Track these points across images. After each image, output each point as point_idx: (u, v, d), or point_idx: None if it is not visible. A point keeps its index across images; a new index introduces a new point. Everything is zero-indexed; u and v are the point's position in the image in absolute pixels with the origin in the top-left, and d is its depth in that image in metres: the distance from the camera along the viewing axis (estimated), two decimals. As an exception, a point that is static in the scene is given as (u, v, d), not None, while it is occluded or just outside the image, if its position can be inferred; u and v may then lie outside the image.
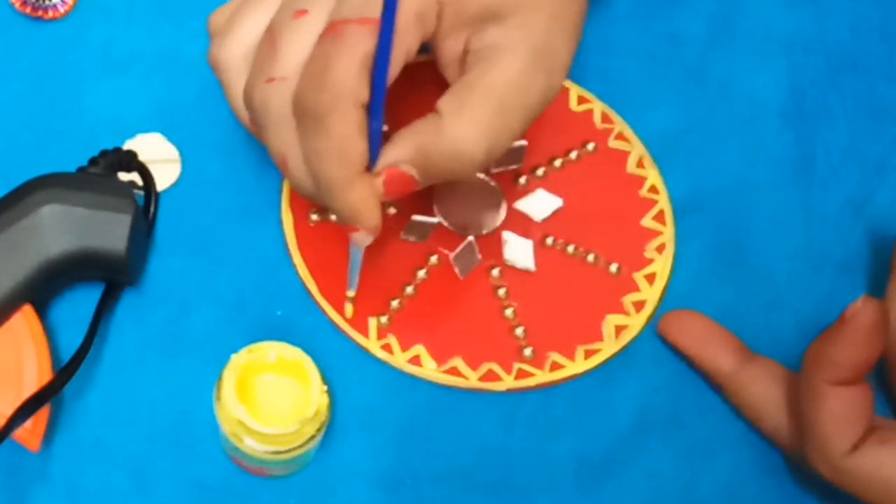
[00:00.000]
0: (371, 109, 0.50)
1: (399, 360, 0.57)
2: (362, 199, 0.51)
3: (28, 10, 0.63)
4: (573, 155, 0.62)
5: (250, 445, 0.51)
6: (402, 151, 0.51)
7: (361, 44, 0.49)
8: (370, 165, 0.51)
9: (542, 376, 0.57)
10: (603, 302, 0.59)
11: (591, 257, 0.60)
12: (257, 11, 0.53)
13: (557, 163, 0.62)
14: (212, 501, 0.54)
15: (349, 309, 0.58)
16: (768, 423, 0.55)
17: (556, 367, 0.57)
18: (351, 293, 0.57)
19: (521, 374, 0.57)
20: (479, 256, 0.59)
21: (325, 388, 0.52)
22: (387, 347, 0.57)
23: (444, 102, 0.51)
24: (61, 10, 0.63)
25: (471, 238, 0.59)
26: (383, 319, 0.58)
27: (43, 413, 0.53)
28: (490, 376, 0.57)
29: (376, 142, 0.51)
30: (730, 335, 0.58)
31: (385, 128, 0.54)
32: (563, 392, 0.57)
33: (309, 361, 0.52)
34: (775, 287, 0.60)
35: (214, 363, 0.52)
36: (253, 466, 0.54)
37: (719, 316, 0.59)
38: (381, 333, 0.57)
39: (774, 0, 0.67)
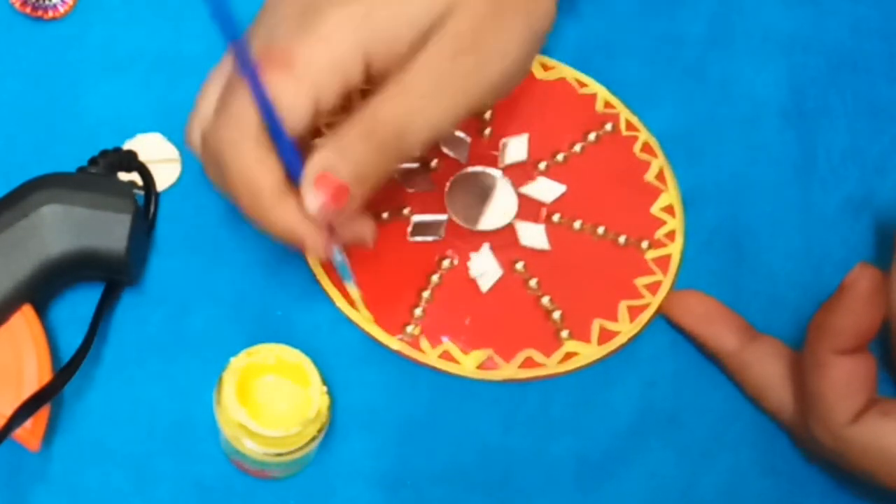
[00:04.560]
0: (274, 137, 0.50)
1: (431, 358, 0.57)
2: (288, 224, 0.51)
3: (28, 10, 0.63)
4: (577, 147, 0.62)
5: (251, 448, 0.51)
6: (320, 158, 0.50)
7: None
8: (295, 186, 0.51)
9: (593, 350, 0.58)
10: (618, 281, 0.60)
11: (600, 230, 0.60)
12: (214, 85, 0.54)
13: (561, 156, 0.62)
14: (212, 502, 0.54)
15: (361, 306, 0.58)
16: (772, 401, 0.56)
17: (606, 335, 0.58)
18: (353, 291, 0.57)
19: (567, 357, 0.58)
20: (502, 271, 0.59)
21: (325, 389, 0.52)
22: (413, 343, 0.58)
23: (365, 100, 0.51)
24: (61, 10, 0.63)
25: (487, 246, 0.60)
26: (410, 328, 0.58)
27: (43, 413, 0.53)
28: (529, 363, 0.57)
29: (295, 167, 0.50)
30: (734, 314, 0.58)
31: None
32: (562, 390, 0.58)
33: (309, 363, 0.52)
34: (775, 286, 0.60)
35: (214, 363, 0.52)
36: (253, 468, 0.54)
37: (719, 316, 0.59)
38: (414, 339, 0.58)
39: (774, 0, 0.67)
